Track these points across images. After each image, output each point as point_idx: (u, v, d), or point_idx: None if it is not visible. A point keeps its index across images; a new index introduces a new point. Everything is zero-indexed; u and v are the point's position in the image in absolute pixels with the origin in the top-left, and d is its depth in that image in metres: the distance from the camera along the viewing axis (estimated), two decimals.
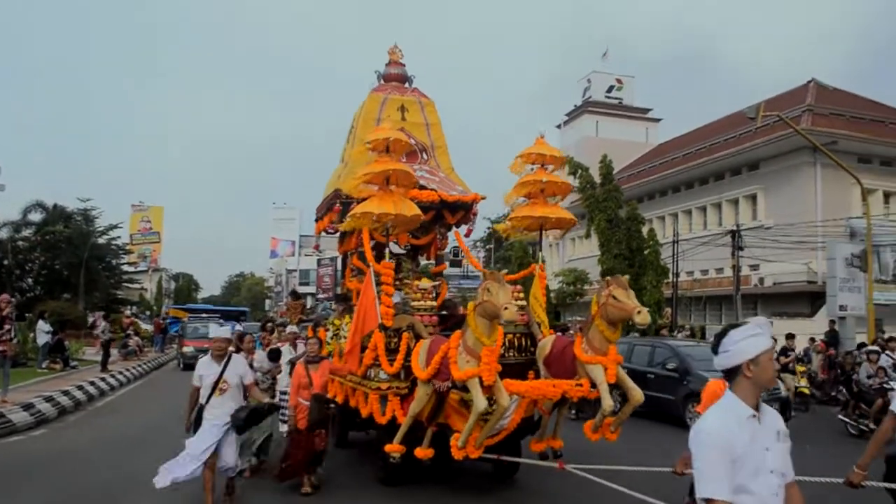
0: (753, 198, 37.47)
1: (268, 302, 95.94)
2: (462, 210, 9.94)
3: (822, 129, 32.05)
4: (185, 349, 26.03)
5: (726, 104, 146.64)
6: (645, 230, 30.52)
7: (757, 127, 28.52)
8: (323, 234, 11.29)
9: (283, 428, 8.60)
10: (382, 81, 10.80)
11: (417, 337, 7.61)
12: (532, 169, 8.08)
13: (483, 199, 9.86)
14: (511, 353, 7.64)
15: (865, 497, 4.95)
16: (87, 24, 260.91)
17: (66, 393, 14.59)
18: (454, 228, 10.54)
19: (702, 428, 2.65)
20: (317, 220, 11.13)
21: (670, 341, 16.57)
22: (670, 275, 32.79)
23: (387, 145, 7.66)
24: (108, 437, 11.22)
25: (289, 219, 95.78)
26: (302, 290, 52.52)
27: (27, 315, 26.24)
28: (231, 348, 7.25)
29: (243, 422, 6.78)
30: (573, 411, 12.56)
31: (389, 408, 7.46)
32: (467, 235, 10.45)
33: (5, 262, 34.15)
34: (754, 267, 34.87)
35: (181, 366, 25.88)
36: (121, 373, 20.43)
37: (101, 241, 39.35)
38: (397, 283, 8.85)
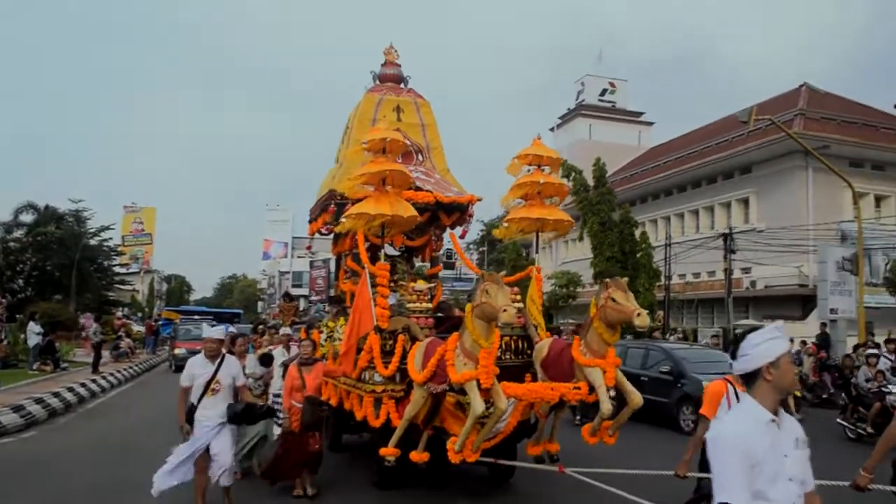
0: (745, 201, 37.61)
1: (260, 304, 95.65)
2: (457, 211, 9.89)
3: (814, 133, 32.17)
4: (177, 351, 25.87)
5: (719, 108, 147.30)
6: (637, 233, 30.61)
7: (749, 131, 28.64)
8: (316, 235, 11.23)
9: (278, 431, 8.52)
10: (378, 82, 10.74)
11: (413, 339, 7.55)
12: (529, 170, 8.03)
13: (479, 200, 9.81)
14: (508, 356, 7.56)
15: (872, 500, 4.93)
16: (85, 25, 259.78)
17: (56, 395, 14.48)
18: (449, 230, 10.49)
19: (720, 432, 2.61)
20: (310, 222, 11.05)
21: (664, 344, 16.58)
22: (663, 278, 32.88)
23: (383, 146, 7.60)
24: (98, 440, 11.12)
25: (282, 220, 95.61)
26: (294, 292, 52.30)
27: (18, 316, 26.12)
28: (223, 349, 7.17)
29: (237, 415, 6.70)
30: (579, 417, 12.55)
31: (384, 411, 7.39)
32: (462, 237, 10.40)
33: None
34: (746, 270, 34.98)
35: (173, 368, 25.73)
36: (112, 374, 20.31)
37: (92, 242, 39.17)
38: (392, 284, 8.79)
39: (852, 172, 30.49)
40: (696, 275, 39.44)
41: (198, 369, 6.70)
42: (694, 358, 14.40)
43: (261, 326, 12.28)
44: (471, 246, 56.45)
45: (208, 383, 6.61)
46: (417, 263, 11.84)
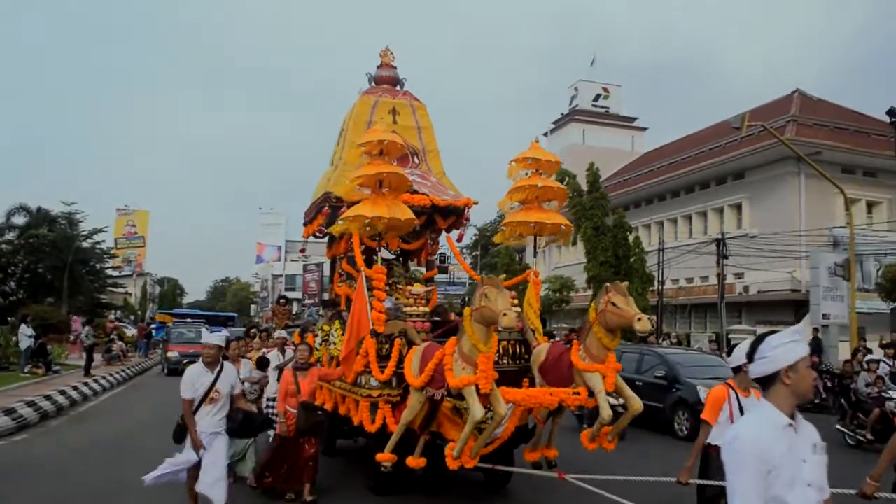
0: (738, 207, 37.70)
1: (253, 307, 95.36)
2: (453, 215, 9.84)
3: (807, 139, 32.33)
4: (170, 354, 25.79)
5: (712, 113, 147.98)
6: (630, 238, 30.65)
7: (742, 137, 28.69)
8: (311, 238, 11.17)
9: (271, 432, 8.45)
10: (374, 84, 10.71)
11: (410, 343, 7.49)
12: (527, 174, 8.00)
13: (475, 203, 9.78)
14: (505, 361, 7.49)
15: None
16: (85, 25, 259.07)
17: (48, 398, 14.36)
18: (445, 233, 10.46)
19: (737, 434, 2.58)
20: (305, 224, 11.00)
21: (659, 349, 16.59)
22: (656, 282, 32.94)
23: (381, 148, 7.57)
24: (90, 443, 11.04)
25: (275, 224, 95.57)
26: (288, 295, 52.30)
27: (10, 319, 25.96)
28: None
29: (238, 426, 6.59)
30: (584, 425, 12.48)
31: (380, 416, 7.31)
32: (459, 241, 10.36)
33: None
34: (739, 275, 35.05)
35: (165, 371, 25.65)
36: (104, 378, 20.17)
37: (85, 244, 38.89)
38: (388, 288, 8.75)
39: (844, 178, 30.61)
40: (690, 280, 39.49)
41: (200, 378, 6.45)
42: (689, 363, 14.41)
43: (253, 330, 12.14)
44: (464, 250, 56.46)
45: (207, 392, 6.40)
46: (412, 267, 11.80)
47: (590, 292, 31.46)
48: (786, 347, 2.62)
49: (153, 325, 37.86)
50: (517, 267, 38.06)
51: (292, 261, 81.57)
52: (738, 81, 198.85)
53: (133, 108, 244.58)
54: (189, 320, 36.73)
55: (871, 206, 35.72)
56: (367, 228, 7.68)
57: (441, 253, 11.56)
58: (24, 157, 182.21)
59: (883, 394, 11.99)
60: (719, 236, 31.15)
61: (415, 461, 7.10)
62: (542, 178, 7.92)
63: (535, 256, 8.64)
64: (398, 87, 10.76)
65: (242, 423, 6.64)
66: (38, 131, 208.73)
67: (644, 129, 65.34)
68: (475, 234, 60.61)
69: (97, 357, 23.40)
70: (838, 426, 12.60)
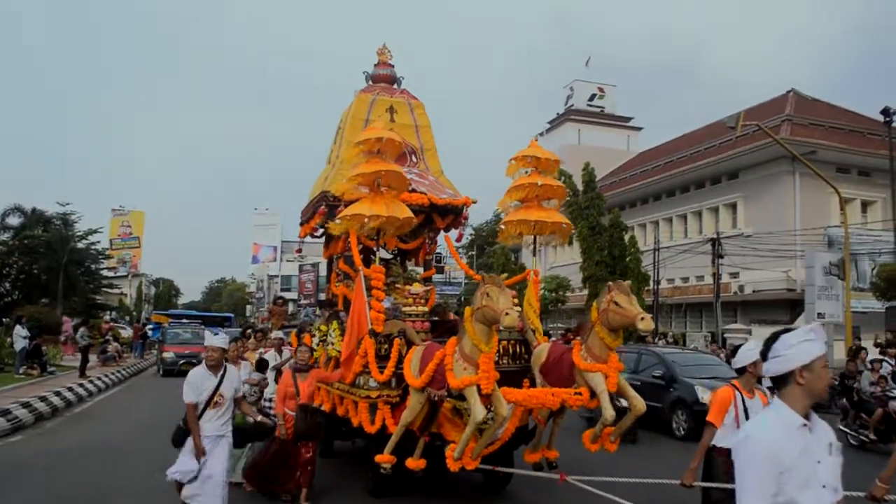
0: (733, 206, 37.80)
1: (249, 308, 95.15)
2: (452, 214, 9.77)
3: (801, 138, 32.44)
4: (165, 355, 25.66)
5: (707, 113, 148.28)
6: (626, 237, 30.71)
7: (737, 136, 28.73)
8: (307, 238, 11.10)
9: None
10: (371, 82, 10.64)
11: (409, 343, 7.44)
12: (526, 172, 7.95)
13: (474, 202, 9.72)
14: (505, 361, 7.43)
15: None
16: (84, 25, 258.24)
17: (43, 399, 14.27)
18: (443, 233, 10.40)
19: (748, 434, 2.54)
20: (302, 224, 10.93)
21: (656, 348, 16.57)
22: (651, 282, 32.99)
23: (378, 146, 7.50)
24: (85, 444, 10.95)
25: (270, 224, 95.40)
26: (284, 295, 52.22)
27: (4, 320, 25.82)
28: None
29: (247, 434, 6.49)
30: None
31: (379, 417, 7.24)
32: (458, 241, 10.29)
33: None
34: (734, 274, 35.14)
35: (161, 372, 25.54)
36: (99, 378, 20.08)
37: (80, 245, 38.75)
38: (386, 288, 8.69)
39: (839, 178, 30.72)
40: (685, 279, 39.58)
41: (205, 382, 6.27)
42: (686, 362, 14.39)
43: (248, 331, 12.04)
44: (460, 250, 56.39)
45: (211, 396, 6.23)
46: (409, 266, 11.74)
47: (586, 292, 31.50)
48: (801, 346, 2.57)
49: (149, 326, 37.65)
50: (513, 267, 38.08)
51: (288, 261, 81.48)
52: (732, 81, 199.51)
53: (132, 109, 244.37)
54: (185, 321, 36.58)
55: (865, 205, 35.86)
56: (366, 227, 7.62)
57: (437, 253, 11.50)
58: (22, 157, 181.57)
59: (887, 393, 11.90)
60: (714, 236, 31.27)
61: (414, 463, 7.04)
62: (542, 177, 7.86)
63: (534, 255, 8.58)
64: (395, 86, 10.69)
65: (252, 430, 6.54)
66: (35, 132, 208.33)
67: (639, 128, 65.51)
68: (471, 234, 60.62)
69: (92, 358, 23.28)
70: (840, 426, 12.45)
